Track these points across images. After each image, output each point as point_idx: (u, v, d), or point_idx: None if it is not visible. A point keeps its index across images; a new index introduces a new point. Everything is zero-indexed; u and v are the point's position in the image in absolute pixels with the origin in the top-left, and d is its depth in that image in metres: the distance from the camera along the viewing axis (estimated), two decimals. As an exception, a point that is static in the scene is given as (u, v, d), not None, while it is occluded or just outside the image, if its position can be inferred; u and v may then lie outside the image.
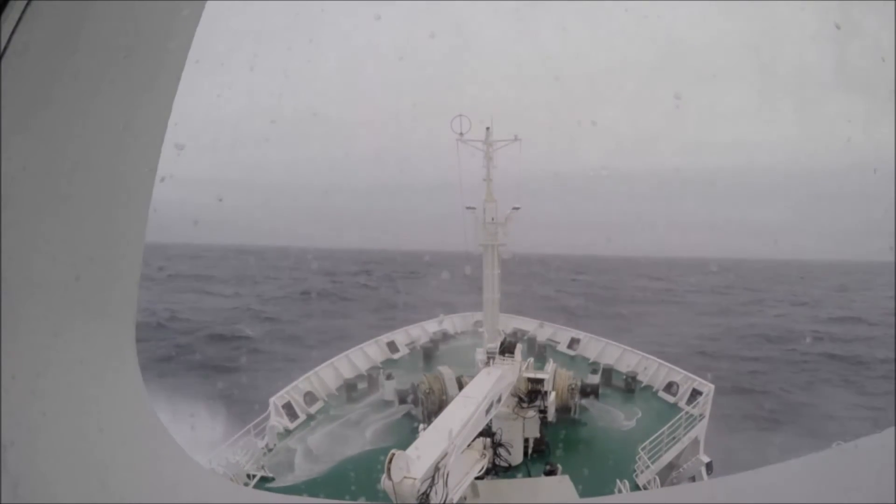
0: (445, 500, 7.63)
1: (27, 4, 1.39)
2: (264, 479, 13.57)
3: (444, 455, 7.84)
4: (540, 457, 14.16)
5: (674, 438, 14.46)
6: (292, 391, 17.40)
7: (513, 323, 25.61)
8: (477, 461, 10.20)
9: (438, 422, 9.17)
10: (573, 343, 23.42)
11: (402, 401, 16.90)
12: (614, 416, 16.77)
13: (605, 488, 12.20)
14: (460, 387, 14.90)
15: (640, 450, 13.73)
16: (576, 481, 11.87)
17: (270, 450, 15.03)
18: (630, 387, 18.74)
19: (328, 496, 12.29)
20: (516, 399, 13.67)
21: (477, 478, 10.24)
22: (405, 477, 7.01)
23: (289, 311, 55.71)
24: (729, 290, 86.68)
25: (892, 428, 1.70)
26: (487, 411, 10.73)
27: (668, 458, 14.07)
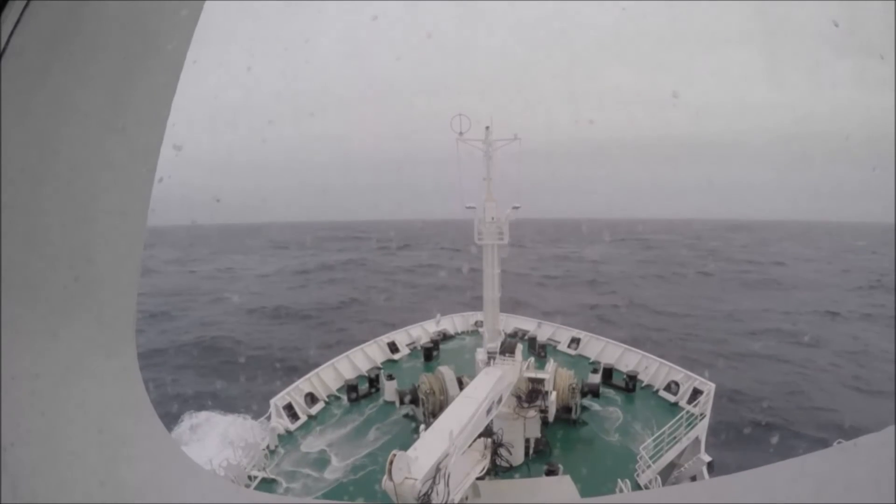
0: (447, 501, 7.62)
1: (26, 5, 1.39)
2: (266, 481, 13.56)
3: (445, 456, 7.84)
4: (541, 457, 14.15)
5: (675, 438, 14.45)
6: (293, 392, 17.38)
7: (513, 322, 25.61)
8: (478, 461, 10.19)
9: (439, 422, 9.16)
10: (573, 342, 23.42)
11: (403, 401, 16.89)
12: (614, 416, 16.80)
13: (607, 488, 12.19)
14: (461, 387, 14.89)
15: (641, 449, 13.72)
16: (577, 481, 11.86)
17: (272, 451, 15.02)
18: (631, 386, 18.73)
19: (329, 497, 12.28)
20: (517, 399, 13.66)
21: (478, 478, 10.24)
22: (406, 478, 7.01)
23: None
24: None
25: (893, 426, 1.70)
26: (488, 411, 10.73)
27: (669, 457, 14.06)
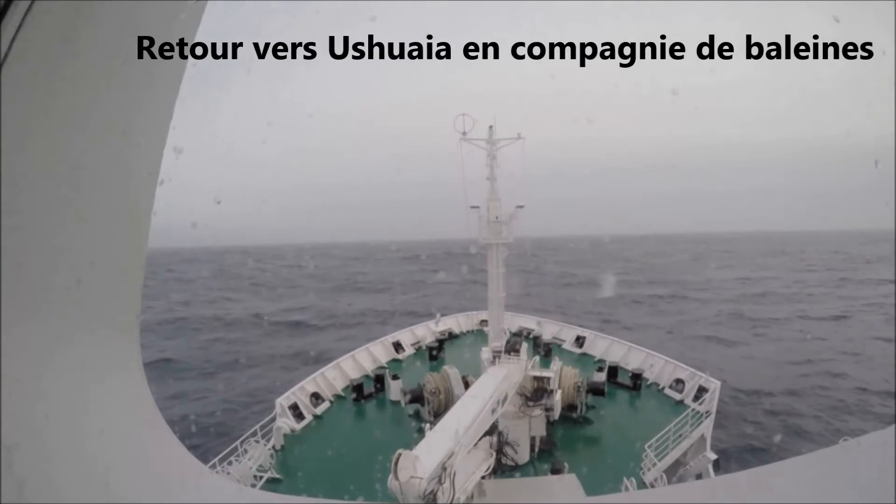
0: (452, 500, 7.63)
1: (29, 7, 1.39)
2: (272, 481, 13.61)
3: (451, 454, 7.85)
4: (546, 455, 14.15)
5: (680, 436, 14.40)
6: (298, 392, 17.44)
7: (518, 321, 25.59)
8: (483, 460, 10.20)
9: (444, 421, 9.16)
10: (578, 341, 23.38)
11: (409, 401, 16.92)
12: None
13: (612, 486, 12.17)
14: (466, 386, 14.91)
15: (646, 447, 13.68)
16: (582, 479, 11.85)
17: (277, 451, 15.07)
18: (636, 384, 18.68)
19: (332, 496, 12.30)
20: (522, 398, 13.66)
21: (483, 477, 10.24)
22: (412, 477, 7.02)
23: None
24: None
25: (894, 426, 1.68)
26: (493, 410, 10.73)
27: (674, 455, 14.02)
